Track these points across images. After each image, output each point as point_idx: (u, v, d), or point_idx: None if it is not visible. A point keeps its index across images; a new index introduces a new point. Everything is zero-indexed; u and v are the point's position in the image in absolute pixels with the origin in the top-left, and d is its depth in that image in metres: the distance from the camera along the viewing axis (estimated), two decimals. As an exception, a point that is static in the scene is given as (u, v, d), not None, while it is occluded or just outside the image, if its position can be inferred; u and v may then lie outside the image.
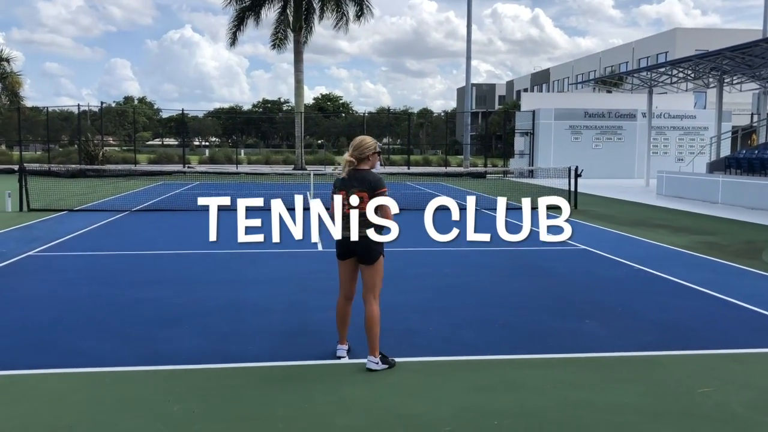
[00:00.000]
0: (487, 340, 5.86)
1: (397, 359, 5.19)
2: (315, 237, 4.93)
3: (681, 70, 24.29)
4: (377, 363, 4.98)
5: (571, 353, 5.51)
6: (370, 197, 4.83)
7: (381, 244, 4.94)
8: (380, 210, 4.81)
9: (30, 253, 10.02)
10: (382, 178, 5.00)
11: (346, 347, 5.27)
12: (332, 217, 4.87)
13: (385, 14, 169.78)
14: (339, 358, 5.20)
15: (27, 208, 15.71)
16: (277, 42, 37.42)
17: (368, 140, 5.07)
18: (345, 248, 5.02)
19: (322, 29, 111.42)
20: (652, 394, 4.61)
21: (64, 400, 4.42)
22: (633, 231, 13.17)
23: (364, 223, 4.81)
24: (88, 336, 5.85)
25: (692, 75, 24.47)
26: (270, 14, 36.98)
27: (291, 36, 37.25)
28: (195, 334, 5.91)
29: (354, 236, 4.83)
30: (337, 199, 4.86)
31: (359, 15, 36.56)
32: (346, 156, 4.99)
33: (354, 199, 4.82)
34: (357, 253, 4.97)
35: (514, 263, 9.62)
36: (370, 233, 4.77)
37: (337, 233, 4.82)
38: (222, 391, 4.60)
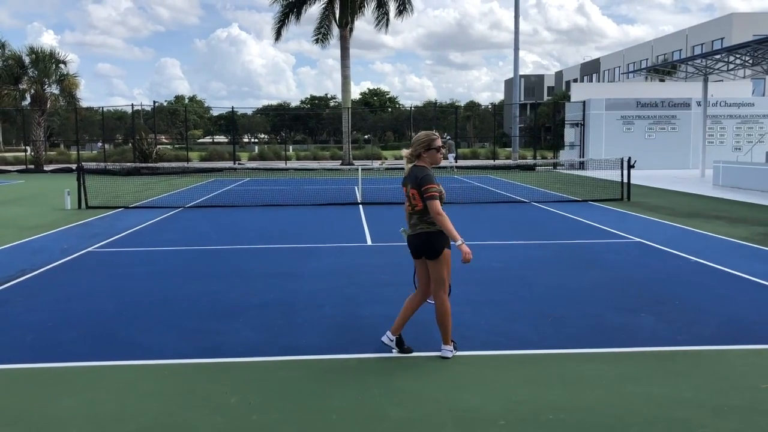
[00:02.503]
0: (540, 334, 5.80)
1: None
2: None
3: (738, 56, 23.49)
4: (451, 351, 5.13)
5: (627, 347, 5.41)
6: (420, 194, 4.93)
7: (442, 237, 4.98)
8: (428, 207, 4.93)
9: (90, 249, 10.34)
10: (430, 175, 4.98)
11: (394, 338, 5.23)
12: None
13: (428, 7, 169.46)
14: (383, 343, 5.24)
15: (85, 206, 16.21)
16: (320, 37, 37.67)
17: (420, 136, 5.09)
18: (411, 246, 5.12)
19: (365, 24, 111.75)
20: (713, 389, 4.49)
21: (127, 391, 4.56)
22: (689, 223, 12.83)
23: (421, 219, 4.98)
24: (147, 329, 6.01)
25: (750, 61, 23.63)
26: (315, 10, 37.31)
27: (335, 32, 37.48)
28: (250, 327, 6.02)
29: (413, 232, 5.05)
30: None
31: (401, 11, 36.56)
32: (404, 151, 5.12)
33: (411, 197, 5.01)
34: (419, 250, 5.06)
35: (566, 256, 9.48)
36: (428, 228, 4.96)
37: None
38: (278, 383, 4.67)
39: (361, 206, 16.14)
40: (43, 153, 37.20)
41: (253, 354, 5.31)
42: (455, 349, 5.20)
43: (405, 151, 5.11)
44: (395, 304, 6.75)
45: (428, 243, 4.97)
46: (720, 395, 4.39)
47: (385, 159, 43.01)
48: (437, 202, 4.91)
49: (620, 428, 3.92)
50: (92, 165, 26.08)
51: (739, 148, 31.27)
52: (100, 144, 54.64)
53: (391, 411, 4.20)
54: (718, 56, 24.08)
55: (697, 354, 5.26)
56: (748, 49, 22.03)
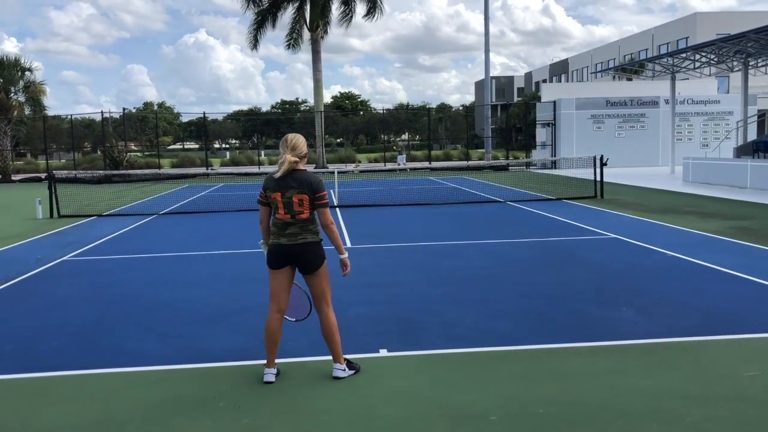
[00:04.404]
0: (525, 330, 5.84)
1: (435, 351, 5.26)
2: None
3: (704, 54, 23.96)
4: (344, 370, 4.78)
5: (611, 341, 5.48)
6: (311, 200, 4.59)
7: (322, 248, 4.71)
8: (321, 215, 4.65)
9: (65, 257, 10.17)
10: (322, 179, 4.74)
11: (274, 371, 4.77)
12: (262, 223, 4.79)
13: (394, 10, 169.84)
14: (268, 383, 4.70)
15: (57, 215, 15.94)
16: (292, 42, 37.37)
17: (299, 139, 4.76)
18: (281, 256, 4.65)
19: (333, 28, 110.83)
20: (697, 379, 4.57)
21: (112, 399, 4.48)
22: (662, 218, 13.03)
23: (304, 228, 4.63)
24: (130, 336, 5.93)
25: (715, 59, 24.13)
26: (286, 15, 36.97)
27: (306, 36, 37.23)
28: (234, 332, 5.97)
29: (293, 242, 4.63)
30: (272, 204, 4.67)
31: (370, 10, 36.28)
32: (289, 156, 4.59)
33: (296, 203, 4.59)
34: (297, 261, 4.67)
35: (545, 254, 9.57)
36: (312, 237, 4.64)
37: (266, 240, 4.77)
38: (266, 387, 4.64)
39: (338, 209, 16.10)
40: (10, 162, 36.50)
41: (239, 358, 5.26)
42: (351, 368, 4.84)
43: (290, 157, 4.59)
44: (379, 304, 6.78)
45: (312, 254, 4.62)
46: (705, 385, 4.47)
47: (359, 162, 43.04)
48: (329, 211, 4.67)
49: (610, 420, 3.96)
50: (63, 173, 25.66)
51: (707, 145, 31.86)
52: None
53: (381, 410, 4.20)
54: (684, 55, 24.54)
55: (679, 345, 5.34)
56: (713, 47, 22.49)
